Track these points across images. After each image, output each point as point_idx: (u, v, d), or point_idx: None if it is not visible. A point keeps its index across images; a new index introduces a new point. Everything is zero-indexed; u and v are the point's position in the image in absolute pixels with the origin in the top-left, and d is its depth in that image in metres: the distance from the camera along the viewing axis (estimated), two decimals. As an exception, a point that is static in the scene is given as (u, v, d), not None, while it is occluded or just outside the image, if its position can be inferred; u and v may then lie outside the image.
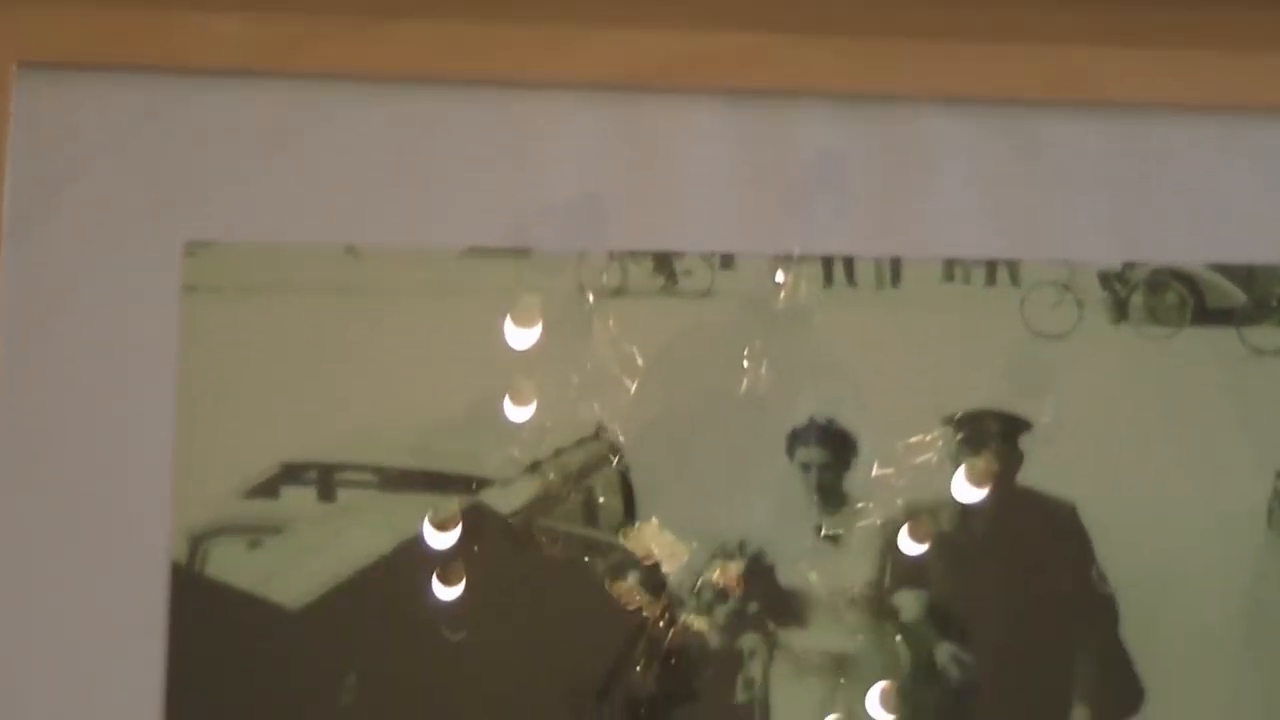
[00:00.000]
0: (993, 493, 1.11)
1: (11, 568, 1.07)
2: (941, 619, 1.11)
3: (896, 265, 1.14)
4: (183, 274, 1.11)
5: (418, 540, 1.10)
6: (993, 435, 1.12)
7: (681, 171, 1.12)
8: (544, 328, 1.11)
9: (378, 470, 1.10)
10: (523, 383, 1.09)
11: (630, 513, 1.10)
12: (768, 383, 1.12)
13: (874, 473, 1.12)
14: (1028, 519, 1.12)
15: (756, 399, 1.12)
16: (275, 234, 1.11)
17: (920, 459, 1.12)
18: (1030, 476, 1.13)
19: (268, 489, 1.10)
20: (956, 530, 1.11)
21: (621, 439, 1.11)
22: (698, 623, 1.10)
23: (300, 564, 1.10)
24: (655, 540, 1.06)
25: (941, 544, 1.12)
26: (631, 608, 1.08)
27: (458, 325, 1.12)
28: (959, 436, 1.12)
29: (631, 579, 1.10)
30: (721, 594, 1.10)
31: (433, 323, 1.12)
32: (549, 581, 1.10)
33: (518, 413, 1.09)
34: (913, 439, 1.12)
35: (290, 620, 1.09)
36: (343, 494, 1.10)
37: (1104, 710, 1.11)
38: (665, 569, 1.08)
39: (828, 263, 1.14)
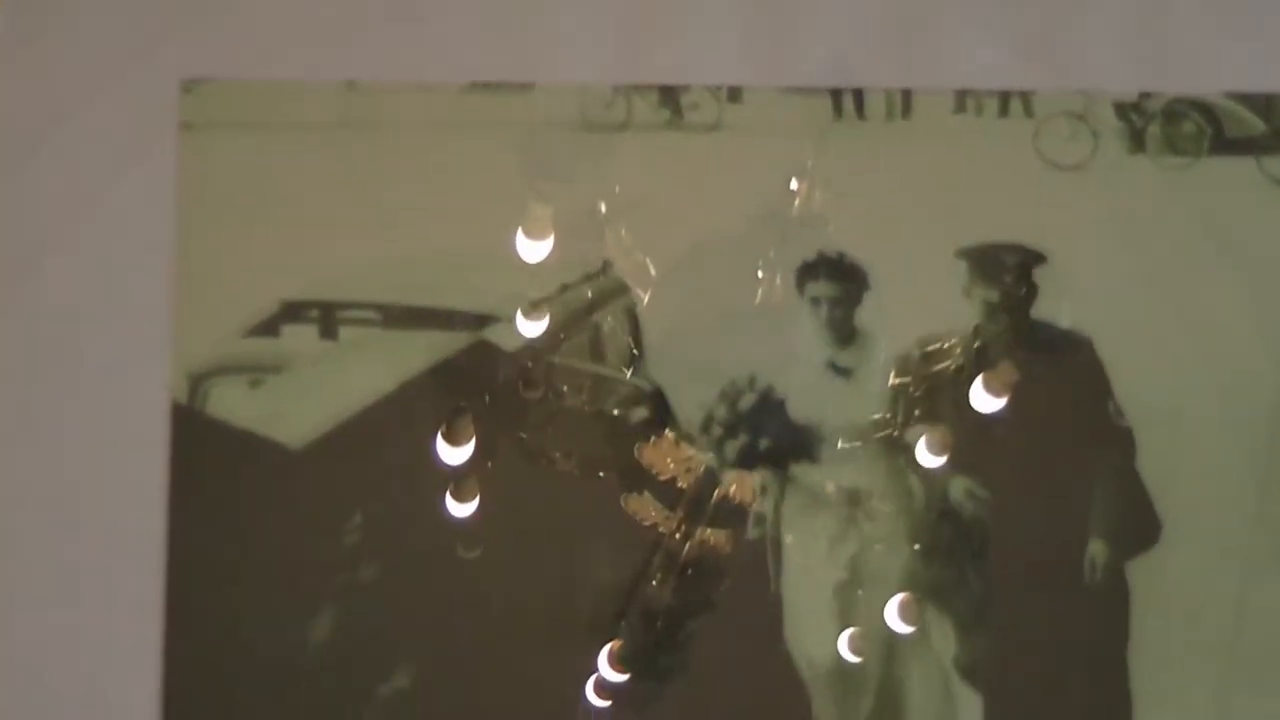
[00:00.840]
0: (1008, 326, 1.09)
1: (14, 410, 1.05)
2: (956, 454, 1.09)
3: (907, 97, 1.12)
4: (180, 111, 1.09)
5: (422, 379, 1.08)
6: (1007, 268, 1.09)
7: (687, 4, 1.10)
8: (548, 167, 1.09)
9: (380, 308, 1.08)
10: (528, 218, 1.07)
11: (639, 349, 1.08)
12: (779, 217, 1.10)
13: (886, 306, 1.09)
14: (1042, 351, 1.10)
15: (765, 235, 1.09)
16: (273, 70, 1.09)
17: (933, 293, 1.09)
18: (1045, 310, 1.10)
19: (268, 328, 1.08)
20: (971, 361, 1.09)
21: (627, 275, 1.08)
22: (708, 456, 1.07)
23: (302, 403, 1.08)
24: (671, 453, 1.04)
25: (955, 378, 1.09)
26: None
27: (461, 161, 1.09)
28: (972, 269, 1.09)
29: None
30: (731, 429, 1.07)
31: (435, 159, 1.10)
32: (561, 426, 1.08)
33: (523, 248, 1.06)
34: (925, 272, 1.09)
35: (292, 459, 1.07)
36: (345, 332, 1.08)
37: (1121, 544, 1.09)
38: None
39: (836, 95, 1.11)
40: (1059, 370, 1.10)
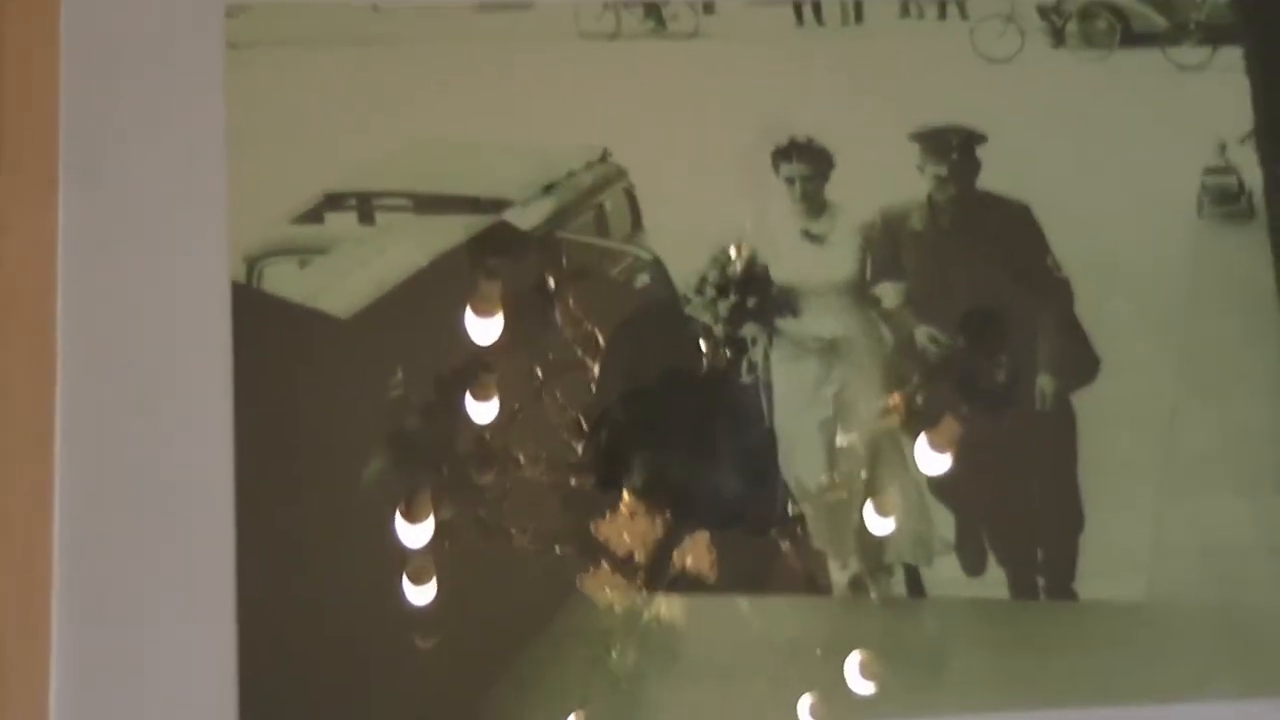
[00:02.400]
0: (956, 196, 1.26)
1: (95, 291, 1.20)
2: (918, 304, 1.26)
3: (859, 5, 1.30)
4: (226, 33, 1.24)
5: (451, 254, 1.24)
6: (952, 146, 1.27)
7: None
8: (546, 75, 1.25)
9: (411, 196, 1.24)
10: (534, 114, 1.23)
11: (637, 223, 1.25)
12: (754, 110, 1.27)
13: (850, 182, 1.26)
14: (988, 217, 1.27)
15: (745, 122, 1.27)
16: (306, -4, 1.25)
17: (891, 169, 1.27)
18: (988, 181, 1.28)
19: (313, 215, 1.23)
20: (927, 227, 1.26)
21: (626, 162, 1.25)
22: (703, 316, 1.23)
23: (346, 279, 1.23)
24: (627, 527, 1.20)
25: (915, 241, 1.26)
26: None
27: (472, 70, 1.26)
28: (923, 148, 1.27)
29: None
30: (722, 290, 1.24)
31: (450, 68, 1.26)
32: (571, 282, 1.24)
33: (531, 138, 1.23)
34: (883, 152, 1.27)
35: (340, 328, 1.23)
36: (380, 217, 1.24)
37: (1065, 378, 1.25)
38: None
39: (798, 6, 1.29)
40: (1002, 232, 1.28)
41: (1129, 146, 1.28)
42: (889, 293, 1.25)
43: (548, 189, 1.25)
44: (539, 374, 1.16)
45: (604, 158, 1.25)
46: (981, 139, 1.27)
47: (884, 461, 1.22)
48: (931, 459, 1.13)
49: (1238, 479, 1.23)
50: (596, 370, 1.16)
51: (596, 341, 1.18)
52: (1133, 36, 1.31)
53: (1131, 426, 1.24)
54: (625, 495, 1.15)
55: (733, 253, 1.23)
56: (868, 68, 1.28)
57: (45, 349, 1.19)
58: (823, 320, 1.24)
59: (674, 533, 1.17)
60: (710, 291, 1.23)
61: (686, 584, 1.19)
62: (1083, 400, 1.24)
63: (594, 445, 1.17)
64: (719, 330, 1.22)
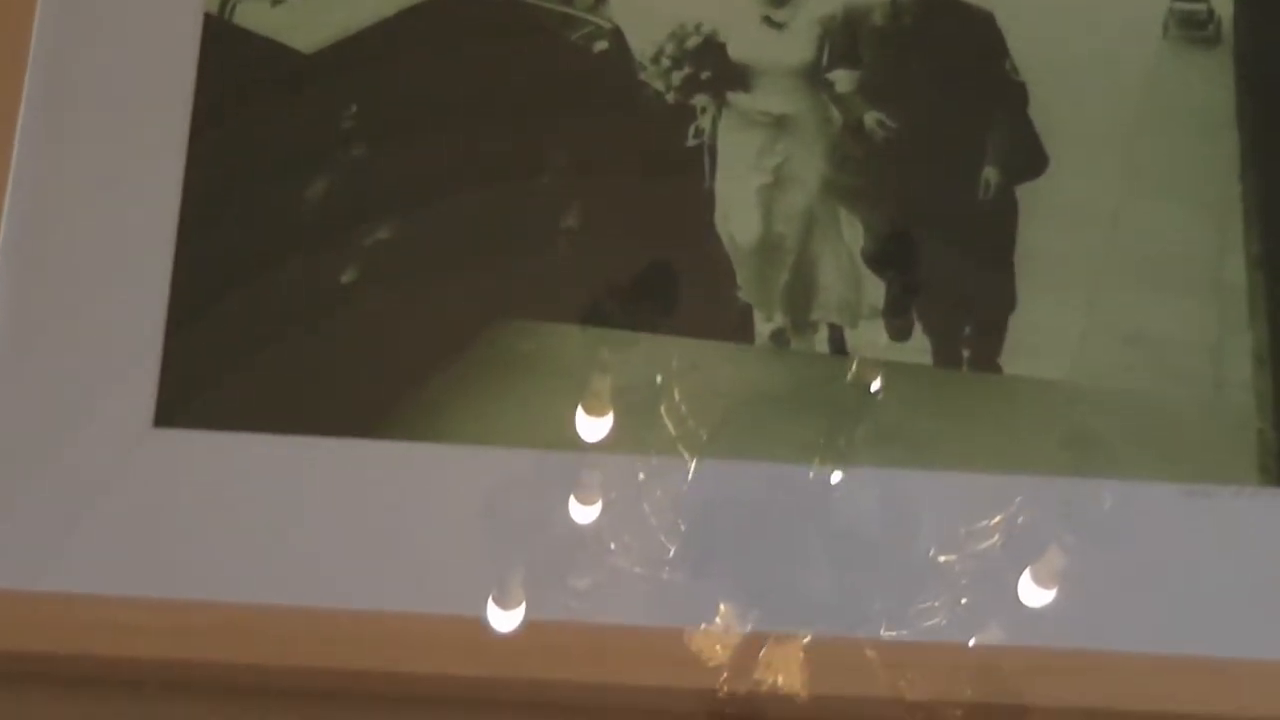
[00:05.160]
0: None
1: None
2: (871, 92, 1.29)
3: None
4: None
5: (415, 10, 1.29)
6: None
7: None
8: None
9: (386, -52, 1.30)
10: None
11: (603, -2, 1.29)
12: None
13: (815, -24, 1.30)
14: (950, 20, 1.30)
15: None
16: None
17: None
18: (952, -13, 1.31)
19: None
20: (888, 24, 1.29)
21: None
22: (656, 83, 1.27)
23: (315, 19, 1.29)
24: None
25: (874, 35, 1.29)
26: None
27: None
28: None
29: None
30: (677, 62, 1.28)
31: None
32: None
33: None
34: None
35: (304, 60, 1.28)
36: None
37: (1011, 171, 1.27)
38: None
39: None
40: (962, 35, 1.30)
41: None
42: (843, 79, 1.28)
43: (517, -45, 1.29)
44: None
45: (567, -72, 1.29)
46: (950, -55, 1.29)
47: (819, 230, 1.23)
48: (1035, 592, 1.13)
49: (1171, 280, 1.24)
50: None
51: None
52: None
53: (1072, 223, 1.25)
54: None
55: (691, 29, 1.26)
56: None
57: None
58: (773, 98, 1.27)
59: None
60: (666, 62, 1.26)
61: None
62: (1027, 193, 1.25)
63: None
64: (670, 98, 1.25)
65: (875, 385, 1.18)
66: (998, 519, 1.17)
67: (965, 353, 1.22)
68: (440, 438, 1.18)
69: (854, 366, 1.18)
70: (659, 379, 1.20)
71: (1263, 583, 1.17)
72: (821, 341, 1.22)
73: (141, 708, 1.16)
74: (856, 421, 1.19)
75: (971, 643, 1.13)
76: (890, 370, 1.22)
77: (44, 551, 1.16)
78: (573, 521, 1.16)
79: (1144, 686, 1.14)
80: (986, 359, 1.21)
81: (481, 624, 1.13)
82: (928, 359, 1.22)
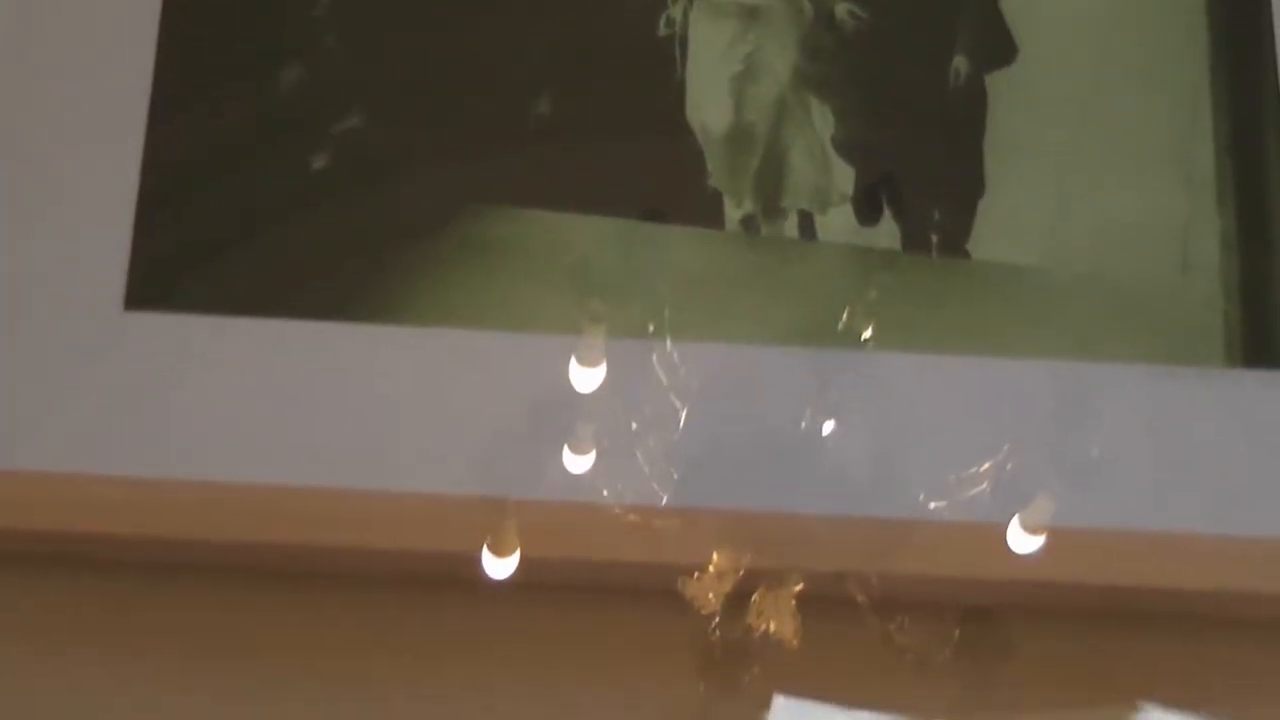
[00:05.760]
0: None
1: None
2: (842, -17, 1.29)
3: None
4: None
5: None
6: None
7: None
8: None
9: None
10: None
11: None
12: None
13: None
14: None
15: None
16: None
17: None
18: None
19: None
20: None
21: None
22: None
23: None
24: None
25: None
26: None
27: None
28: None
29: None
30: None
31: None
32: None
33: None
34: None
35: None
36: None
37: (981, 60, 1.27)
38: None
39: None
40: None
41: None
42: (812, -25, 1.27)
43: None
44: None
45: None
46: None
47: (790, 119, 1.24)
48: (1024, 540, 1.12)
49: (1141, 167, 1.25)
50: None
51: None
52: None
53: (1042, 111, 1.25)
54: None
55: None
56: None
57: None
58: (745, -10, 1.27)
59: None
60: (638, -42, 1.26)
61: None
62: (996, 82, 1.25)
63: None
64: (639, -11, 1.26)
65: (866, 334, 1.17)
66: (970, 402, 1.17)
67: (934, 238, 1.22)
68: (409, 320, 1.19)
69: (844, 315, 1.17)
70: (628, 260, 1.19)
71: (1230, 461, 1.16)
72: (791, 227, 1.23)
73: (116, 585, 1.15)
74: (826, 306, 1.19)
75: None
76: (859, 255, 1.22)
77: (17, 430, 1.16)
78: (543, 401, 1.15)
79: (1112, 563, 1.14)
80: (955, 244, 1.22)
81: (452, 503, 1.13)
82: (896, 244, 1.22)
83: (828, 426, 1.16)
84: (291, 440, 1.17)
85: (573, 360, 1.12)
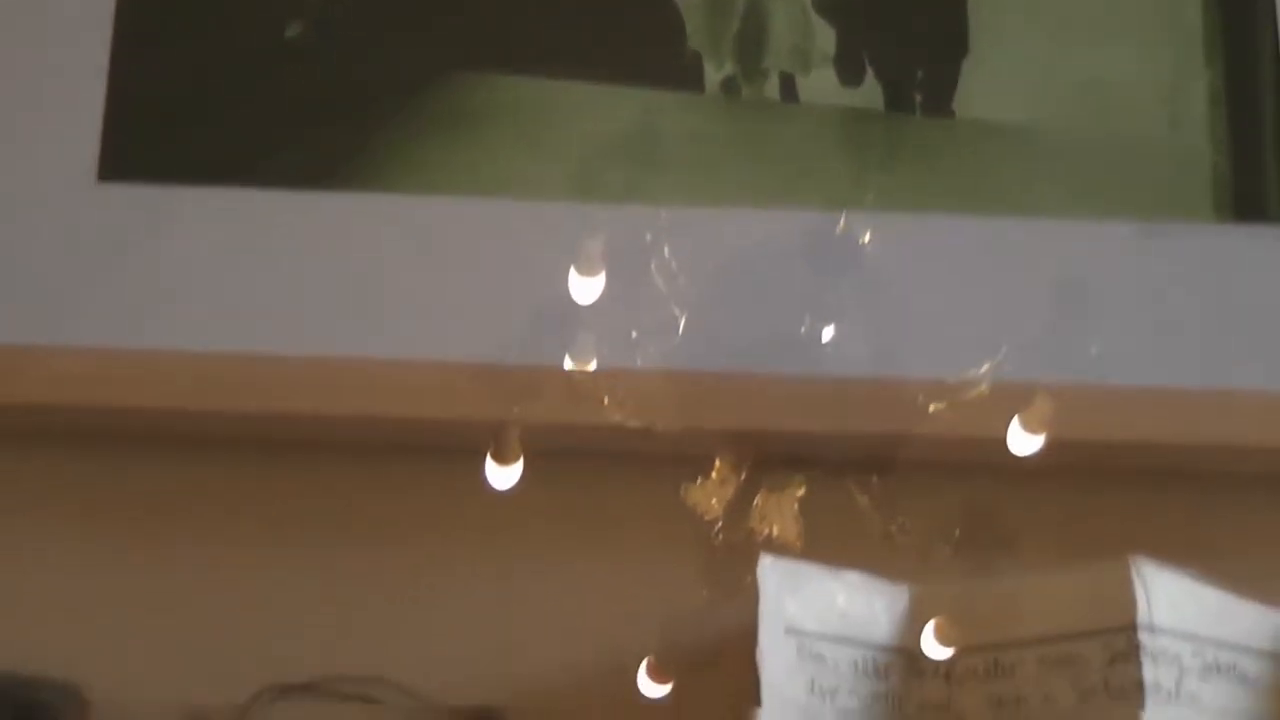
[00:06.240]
0: None
1: None
2: None
3: None
4: None
5: None
6: None
7: None
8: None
9: None
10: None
11: None
12: None
13: None
14: None
15: None
16: None
17: None
18: None
19: None
20: None
21: None
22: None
23: None
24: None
25: None
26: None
27: None
28: None
29: None
30: None
31: None
32: None
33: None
34: None
35: None
36: None
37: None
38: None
39: None
40: None
41: None
42: None
43: None
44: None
45: None
46: None
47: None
48: (1023, 439, 1.09)
49: (1128, 24, 1.24)
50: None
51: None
52: None
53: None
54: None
55: None
56: None
57: None
58: None
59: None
60: None
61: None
62: (978, -57, 1.23)
63: None
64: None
65: (865, 239, 1.16)
66: (957, 261, 1.16)
67: (917, 97, 1.20)
68: (392, 188, 1.17)
69: (842, 220, 1.15)
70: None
71: (1220, 315, 1.16)
72: (773, 89, 1.21)
73: (98, 460, 1.15)
74: (810, 168, 1.17)
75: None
76: (841, 116, 1.20)
77: (-8, 303, 1.13)
78: (533, 269, 1.14)
79: (1102, 416, 1.13)
80: (939, 103, 1.20)
81: (440, 369, 1.11)
82: (880, 104, 1.20)
83: (824, 298, 1.13)
84: (269, 309, 1.16)
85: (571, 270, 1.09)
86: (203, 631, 1.13)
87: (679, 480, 1.08)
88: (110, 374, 1.13)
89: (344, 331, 1.14)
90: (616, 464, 1.13)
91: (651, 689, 1.02)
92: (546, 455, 1.06)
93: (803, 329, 1.13)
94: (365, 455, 1.14)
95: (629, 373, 1.09)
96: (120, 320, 1.15)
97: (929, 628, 1.01)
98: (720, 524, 1.09)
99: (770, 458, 1.10)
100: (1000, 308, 1.13)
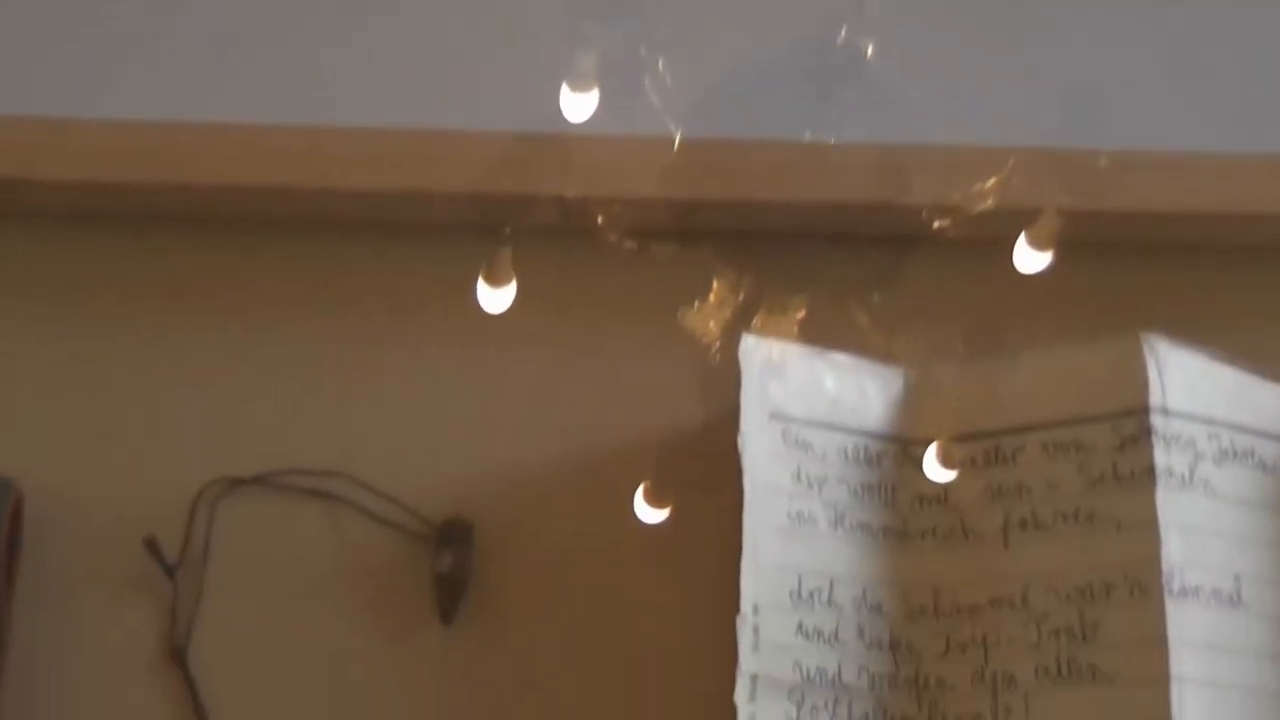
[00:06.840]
0: None
1: None
2: None
3: None
4: None
5: None
6: None
7: None
8: None
9: None
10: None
11: None
12: None
13: None
14: None
15: None
16: None
17: None
18: None
19: None
20: None
21: None
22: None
23: None
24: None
25: None
26: None
27: None
28: None
29: None
30: None
31: None
32: None
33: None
34: None
35: None
36: None
37: None
38: None
39: None
40: None
41: None
42: None
43: None
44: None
45: None
46: None
47: None
48: (1031, 257, 1.00)
49: None
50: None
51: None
52: None
53: None
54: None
55: None
56: None
57: None
58: None
59: None
60: None
61: None
62: None
63: None
64: None
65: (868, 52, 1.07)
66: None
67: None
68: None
69: (843, 32, 1.06)
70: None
71: (1237, 78, 1.12)
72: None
73: (32, 238, 1.09)
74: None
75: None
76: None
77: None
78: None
79: (1114, 184, 1.05)
80: None
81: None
82: None
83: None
84: (277, 79, 1.10)
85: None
86: (147, 424, 1.05)
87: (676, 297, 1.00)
88: (115, 149, 1.06)
89: (354, 101, 1.09)
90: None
91: (649, 514, 0.96)
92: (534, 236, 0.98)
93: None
94: (323, 232, 1.07)
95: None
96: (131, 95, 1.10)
97: (924, 412, 0.97)
98: (718, 345, 1.01)
99: (769, 277, 1.02)
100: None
